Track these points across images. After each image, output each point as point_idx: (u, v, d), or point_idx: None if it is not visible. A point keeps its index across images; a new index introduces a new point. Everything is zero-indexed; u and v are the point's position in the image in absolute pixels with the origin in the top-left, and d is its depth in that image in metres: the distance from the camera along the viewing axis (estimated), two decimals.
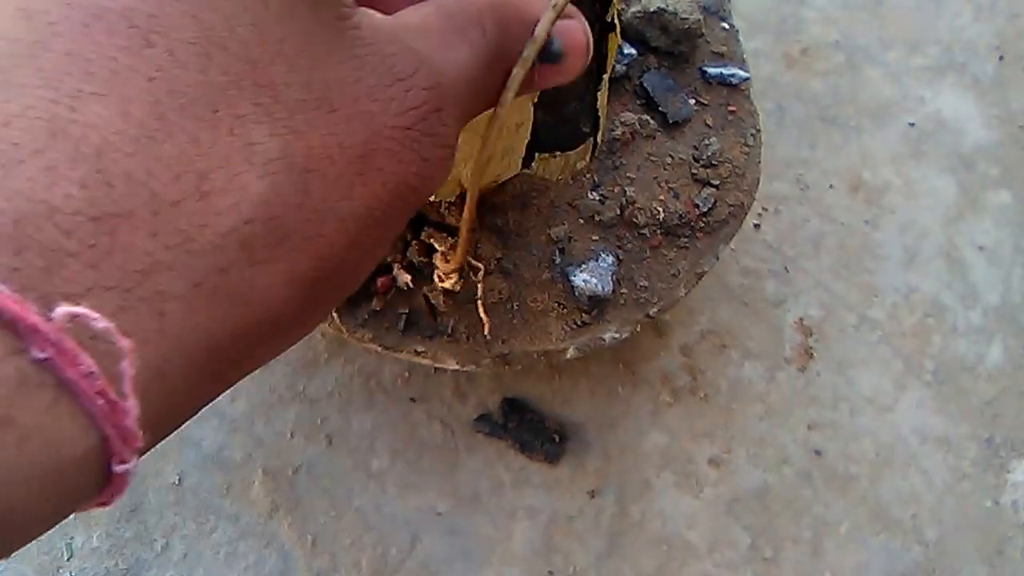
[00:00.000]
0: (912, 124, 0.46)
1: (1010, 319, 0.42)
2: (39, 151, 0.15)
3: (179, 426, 0.18)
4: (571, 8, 0.24)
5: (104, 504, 0.16)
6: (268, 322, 0.18)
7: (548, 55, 0.23)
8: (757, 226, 0.42)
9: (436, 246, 0.33)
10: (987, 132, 0.46)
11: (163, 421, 0.17)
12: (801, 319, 0.41)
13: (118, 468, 0.15)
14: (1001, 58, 0.47)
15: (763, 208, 0.43)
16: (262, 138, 0.17)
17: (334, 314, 0.33)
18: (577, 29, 0.24)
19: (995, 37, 0.48)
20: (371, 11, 0.21)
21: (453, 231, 0.33)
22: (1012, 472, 0.39)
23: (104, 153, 0.15)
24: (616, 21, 0.32)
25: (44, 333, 0.14)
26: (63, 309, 0.14)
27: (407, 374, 0.39)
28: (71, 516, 0.16)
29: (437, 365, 0.34)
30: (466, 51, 0.22)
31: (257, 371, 0.37)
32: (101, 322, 0.14)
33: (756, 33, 0.46)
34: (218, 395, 0.18)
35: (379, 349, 0.33)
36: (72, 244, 0.15)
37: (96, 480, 0.15)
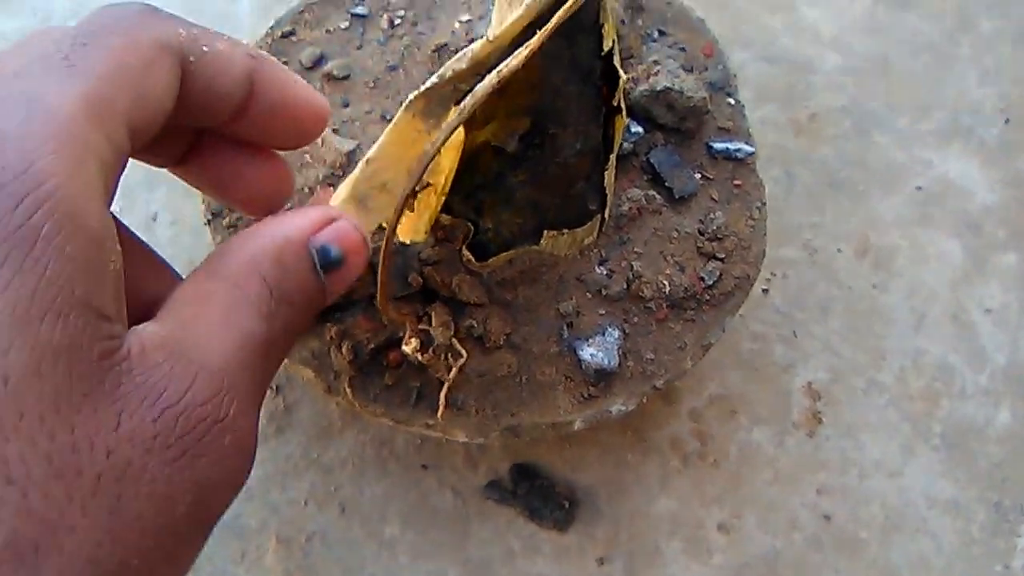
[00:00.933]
0: (919, 188, 0.46)
1: (1018, 381, 0.42)
2: None
3: None
4: (329, 208, 0.26)
5: None
6: None
7: (327, 263, 0.24)
8: (766, 291, 0.43)
9: (433, 318, 0.34)
10: (993, 195, 0.46)
11: None
12: (810, 383, 0.41)
13: None
14: (1007, 121, 0.48)
15: (772, 273, 0.43)
16: None
17: (347, 389, 0.34)
18: (347, 229, 0.25)
19: (1000, 100, 0.48)
20: (146, 328, 0.21)
21: (461, 305, 0.34)
22: (1022, 536, 0.39)
23: None
24: (622, 104, 0.33)
25: None
26: None
27: (419, 442, 0.39)
28: None
29: (447, 438, 0.34)
30: (248, 323, 0.22)
31: (273, 441, 0.38)
32: None
33: (764, 101, 0.47)
34: None
35: (391, 423, 0.34)
36: None
37: None
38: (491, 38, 0.28)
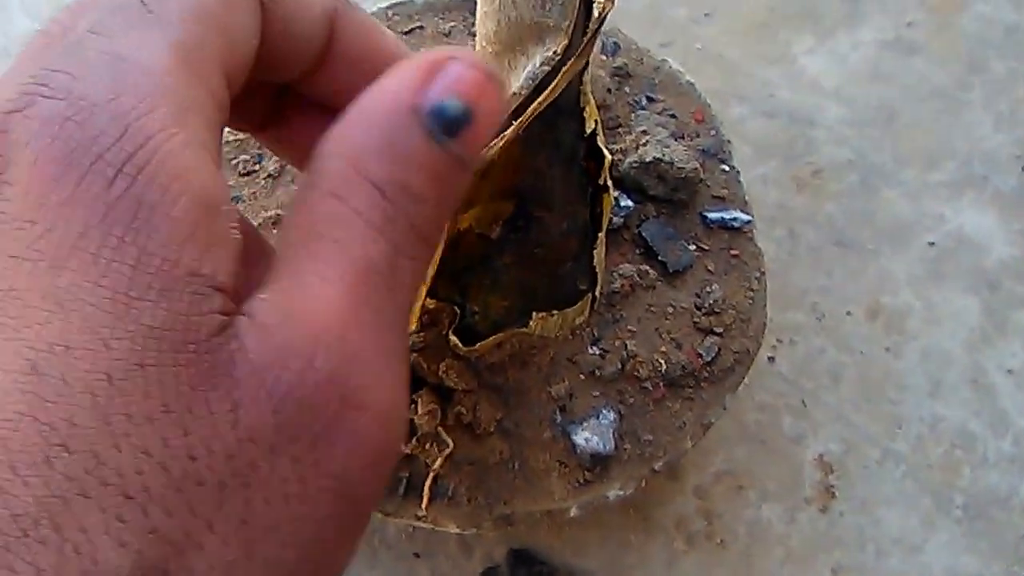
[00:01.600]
0: (932, 243, 0.45)
1: None
2: None
3: None
4: (437, 52, 0.19)
5: None
6: None
7: (449, 123, 0.18)
8: (772, 359, 0.42)
9: (419, 406, 0.33)
10: (1011, 248, 0.45)
11: None
12: (821, 455, 0.41)
13: None
14: (1023, 169, 0.47)
15: (778, 340, 0.43)
16: (108, 555, 0.15)
17: None
18: (465, 71, 0.19)
19: (1016, 147, 0.48)
20: (254, 303, 0.18)
21: (449, 391, 0.34)
22: None
23: None
24: (608, 182, 0.33)
25: None
26: None
27: (411, 529, 0.39)
28: None
29: (438, 529, 0.34)
30: (360, 245, 0.18)
31: None
32: None
33: (765, 157, 0.47)
34: None
35: (380, 515, 0.34)
36: None
37: None
38: None
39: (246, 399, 0.16)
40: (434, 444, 0.33)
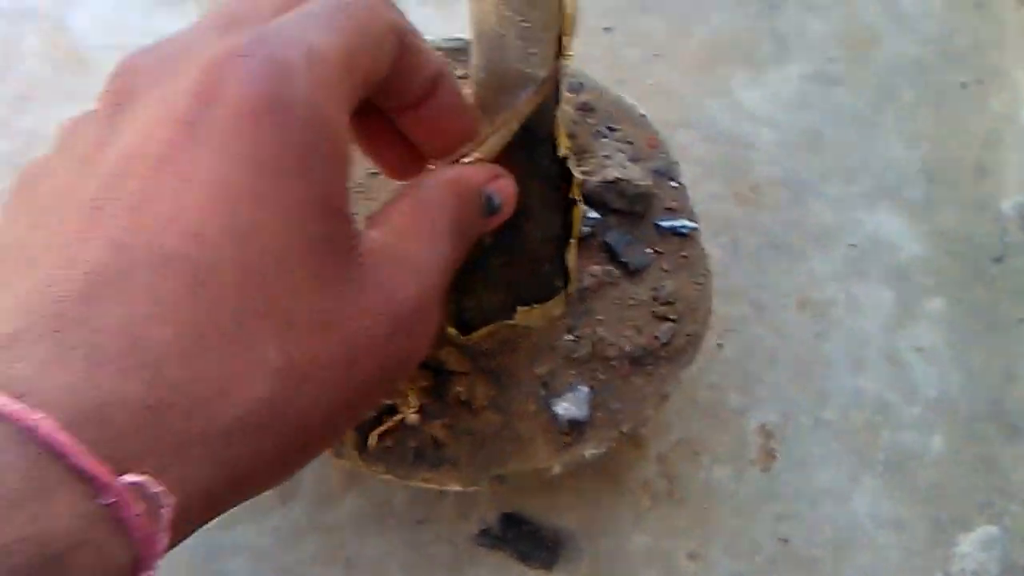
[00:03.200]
0: (853, 245, 0.52)
1: (948, 411, 0.47)
2: (117, 356, 0.20)
3: (187, 537, 0.23)
4: (498, 168, 0.32)
5: None
6: (256, 476, 0.23)
7: (491, 208, 0.31)
8: (720, 345, 0.48)
9: (409, 386, 0.38)
10: (920, 247, 0.52)
11: (177, 538, 0.21)
12: (763, 425, 0.46)
13: (143, 575, 0.20)
14: (929, 180, 0.54)
15: (724, 329, 0.48)
16: (272, 355, 0.22)
17: (354, 452, 0.38)
18: (509, 184, 0.32)
19: (922, 162, 0.54)
20: (370, 233, 0.27)
21: (449, 374, 0.39)
22: (958, 545, 0.44)
23: (162, 362, 0.20)
24: (579, 197, 0.37)
25: (112, 487, 0.18)
26: (129, 477, 0.19)
27: (414, 500, 0.43)
28: None
29: (443, 488, 0.38)
30: (442, 245, 0.28)
31: (282, 507, 0.43)
32: (154, 487, 0.19)
33: (710, 177, 0.53)
34: (219, 515, 0.23)
35: (393, 479, 0.38)
36: (132, 424, 0.19)
37: None
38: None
39: (366, 292, 0.25)
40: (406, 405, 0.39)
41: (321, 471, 0.44)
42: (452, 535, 0.43)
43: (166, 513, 0.19)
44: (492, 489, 0.41)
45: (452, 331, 0.39)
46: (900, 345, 0.49)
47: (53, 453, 0.18)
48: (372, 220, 0.28)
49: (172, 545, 0.20)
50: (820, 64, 0.59)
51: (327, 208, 0.24)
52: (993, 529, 0.44)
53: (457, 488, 0.38)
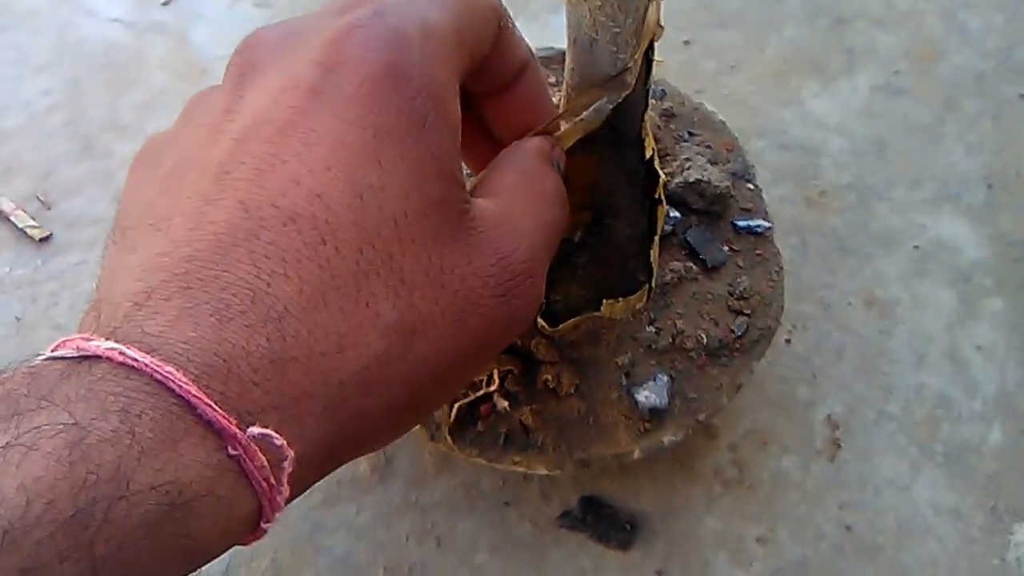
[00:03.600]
0: (916, 247, 0.53)
1: (1006, 406, 0.48)
2: (243, 312, 0.20)
3: (298, 496, 0.23)
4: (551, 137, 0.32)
5: (247, 544, 0.21)
6: (366, 434, 0.23)
7: (557, 165, 0.32)
8: (788, 341, 0.50)
9: (496, 373, 0.40)
10: (980, 250, 0.53)
11: (296, 492, 0.21)
12: (829, 416, 0.48)
13: (264, 525, 0.20)
14: (990, 187, 0.55)
15: (792, 326, 0.50)
16: (386, 310, 0.22)
17: (448, 436, 0.40)
18: (561, 151, 0.32)
19: (984, 169, 0.56)
20: (480, 201, 0.26)
21: (538, 363, 0.41)
22: (1015, 534, 0.45)
23: (284, 317, 0.20)
24: (662, 197, 0.39)
25: (238, 439, 0.19)
26: (255, 429, 0.19)
27: (501, 483, 0.46)
28: None
29: (530, 472, 0.40)
30: (549, 212, 0.29)
31: (377, 488, 0.45)
32: (278, 440, 0.19)
33: (781, 181, 0.55)
34: (326, 475, 0.23)
35: (484, 462, 0.40)
36: (256, 378, 0.20)
37: (251, 529, 0.21)
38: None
39: (477, 253, 0.25)
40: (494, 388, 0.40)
41: (416, 453, 0.47)
42: (535, 516, 0.45)
43: (287, 466, 0.20)
44: (574, 473, 0.43)
45: (541, 322, 0.40)
46: (961, 343, 0.50)
47: (183, 405, 0.18)
48: (477, 189, 0.28)
49: (287, 501, 0.21)
50: (886, 76, 0.60)
51: (442, 171, 0.24)
52: None
53: (543, 471, 0.40)
